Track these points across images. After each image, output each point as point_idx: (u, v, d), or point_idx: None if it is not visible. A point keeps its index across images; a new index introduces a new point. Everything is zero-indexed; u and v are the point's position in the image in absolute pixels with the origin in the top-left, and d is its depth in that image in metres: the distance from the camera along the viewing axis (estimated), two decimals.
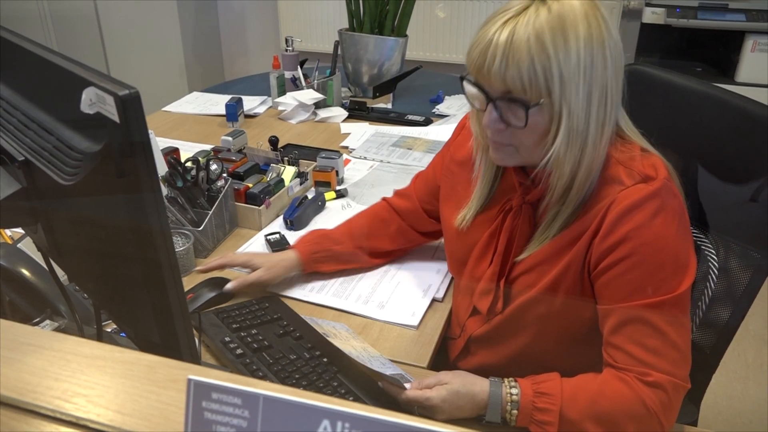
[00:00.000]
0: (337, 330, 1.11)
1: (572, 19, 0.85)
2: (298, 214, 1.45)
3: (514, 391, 0.94)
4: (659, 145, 0.99)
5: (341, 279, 1.27)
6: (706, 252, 1.17)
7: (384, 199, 1.35)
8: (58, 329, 0.98)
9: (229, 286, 1.20)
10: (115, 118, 0.55)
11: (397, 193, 1.34)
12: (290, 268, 1.25)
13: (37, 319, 0.99)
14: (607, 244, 0.92)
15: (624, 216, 0.91)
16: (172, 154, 1.59)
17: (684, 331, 0.93)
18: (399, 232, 1.31)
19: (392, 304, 1.21)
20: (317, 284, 1.26)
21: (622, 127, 0.97)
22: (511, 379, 0.96)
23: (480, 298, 1.08)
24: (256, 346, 1.05)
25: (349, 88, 2.35)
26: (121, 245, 0.67)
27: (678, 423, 0.99)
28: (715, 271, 1.17)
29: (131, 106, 0.54)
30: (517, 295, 1.03)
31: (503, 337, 1.08)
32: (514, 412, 0.93)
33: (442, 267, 1.31)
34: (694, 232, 1.12)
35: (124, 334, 1.04)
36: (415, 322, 1.16)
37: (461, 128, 1.18)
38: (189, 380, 0.42)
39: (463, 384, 0.96)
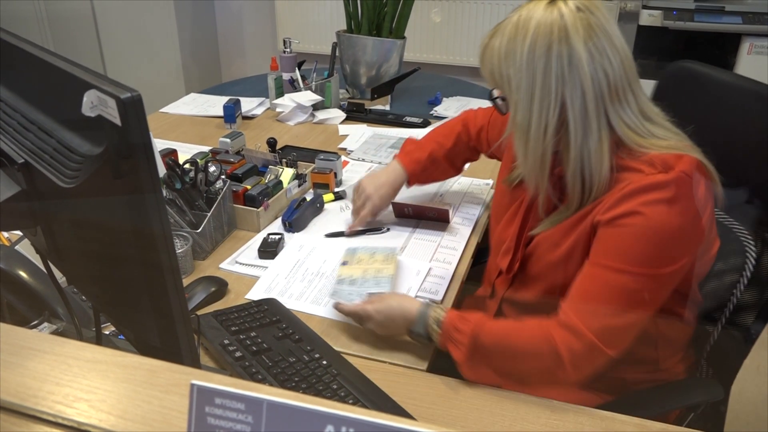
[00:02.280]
0: (364, 254, 1.27)
1: (527, 27, 0.97)
2: (296, 216, 1.45)
3: (441, 312, 1.04)
4: (706, 144, 1.00)
5: (320, 286, 1.26)
6: (743, 241, 1.17)
7: (465, 113, 1.50)
8: (56, 332, 0.98)
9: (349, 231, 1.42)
10: (117, 120, 0.55)
11: (479, 113, 1.48)
12: (398, 187, 1.44)
13: (35, 322, 0.98)
14: (609, 216, 0.98)
15: (631, 195, 0.96)
16: (170, 155, 1.58)
17: (640, 311, 0.97)
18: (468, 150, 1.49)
19: None
20: (295, 291, 1.24)
21: (640, 134, 0.99)
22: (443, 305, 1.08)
23: (502, 257, 1.19)
24: (255, 348, 1.05)
25: (347, 90, 2.35)
26: (122, 248, 0.67)
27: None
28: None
29: (133, 108, 0.54)
30: (534, 260, 1.12)
31: (530, 302, 1.15)
32: (435, 328, 1.03)
33: (422, 268, 1.30)
34: (741, 232, 1.15)
35: (122, 337, 1.03)
36: None
37: None
38: (192, 385, 0.42)
39: (399, 301, 1.08)
